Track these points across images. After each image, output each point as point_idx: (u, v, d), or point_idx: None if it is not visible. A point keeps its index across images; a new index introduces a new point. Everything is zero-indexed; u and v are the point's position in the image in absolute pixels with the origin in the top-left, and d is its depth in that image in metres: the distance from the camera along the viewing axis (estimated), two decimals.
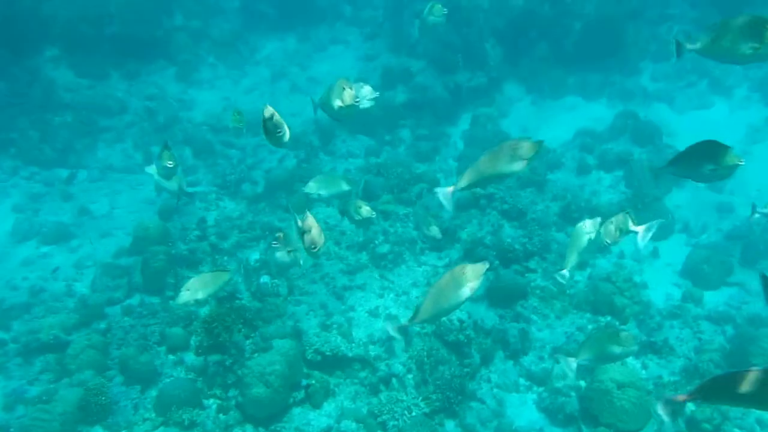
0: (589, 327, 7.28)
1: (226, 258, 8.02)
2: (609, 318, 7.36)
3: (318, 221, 4.77)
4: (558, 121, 11.02)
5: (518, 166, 4.07)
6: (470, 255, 8.28)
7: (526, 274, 7.95)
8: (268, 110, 4.24)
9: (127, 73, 12.52)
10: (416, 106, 11.38)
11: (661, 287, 8.07)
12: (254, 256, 8.05)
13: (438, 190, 4.42)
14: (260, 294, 7.37)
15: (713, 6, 12.04)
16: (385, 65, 12.32)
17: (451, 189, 4.34)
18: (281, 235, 5.61)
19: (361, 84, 5.54)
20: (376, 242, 8.28)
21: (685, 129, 10.29)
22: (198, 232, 8.27)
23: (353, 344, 6.72)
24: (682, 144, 10.04)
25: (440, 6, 6.55)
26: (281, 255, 5.55)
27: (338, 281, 7.70)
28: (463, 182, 4.28)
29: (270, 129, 4.26)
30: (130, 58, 12.42)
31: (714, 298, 7.82)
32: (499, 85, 11.71)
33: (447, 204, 4.34)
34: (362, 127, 10.96)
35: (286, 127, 4.31)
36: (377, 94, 5.58)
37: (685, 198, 9.31)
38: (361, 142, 10.96)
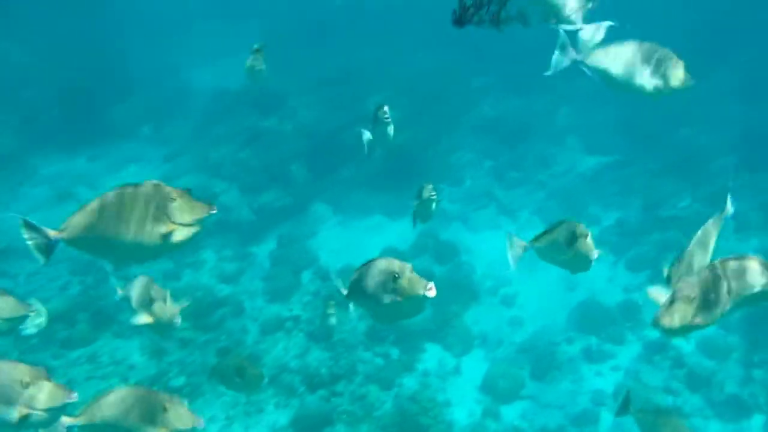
0: None
1: None
2: None
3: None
4: (365, 240, 11.69)
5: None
6: (275, 382, 8.29)
7: (332, 399, 8.08)
8: None
9: None
10: (221, 226, 11.48)
11: (464, 404, 8.60)
12: None
13: None
14: None
15: (499, 140, 13.96)
16: (186, 186, 12.36)
17: None
18: None
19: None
20: (170, 375, 7.98)
21: (479, 247, 11.46)
22: None
23: None
24: (479, 261, 11.23)
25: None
26: None
27: None
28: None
29: None
30: None
31: (510, 413, 8.49)
32: (306, 205, 12.24)
33: None
34: None
35: None
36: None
37: (481, 312, 10.21)
38: (159, 264, 10.70)
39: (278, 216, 11.79)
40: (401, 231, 11.80)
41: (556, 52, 4.41)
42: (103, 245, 3.45)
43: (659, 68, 4.34)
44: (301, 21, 17.76)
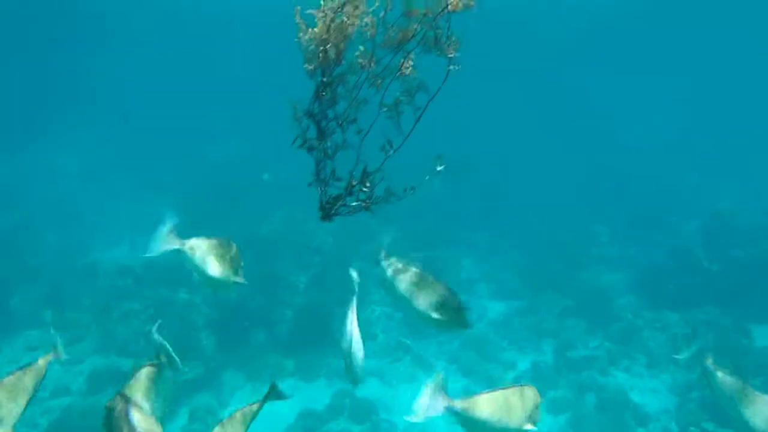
0: None
1: None
2: None
3: None
4: (280, 406, 11.65)
5: None
6: None
7: None
8: None
9: None
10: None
11: None
12: None
13: None
14: None
15: None
16: (92, 368, 12.24)
17: None
18: None
19: None
20: None
21: (397, 402, 11.67)
22: None
23: None
24: (399, 418, 11.35)
25: None
26: None
27: None
28: None
29: None
30: None
31: None
32: (218, 375, 12.26)
33: None
34: None
35: None
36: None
37: None
38: None
39: (189, 388, 11.73)
40: (316, 393, 11.94)
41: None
42: None
43: None
44: (207, 194, 18.70)
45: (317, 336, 12.51)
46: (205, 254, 4.60)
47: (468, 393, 12.10)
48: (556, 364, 13.02)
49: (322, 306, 12.91)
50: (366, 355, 13.19)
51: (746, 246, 15.26)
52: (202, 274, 4.61)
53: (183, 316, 12.48)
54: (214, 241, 4.68)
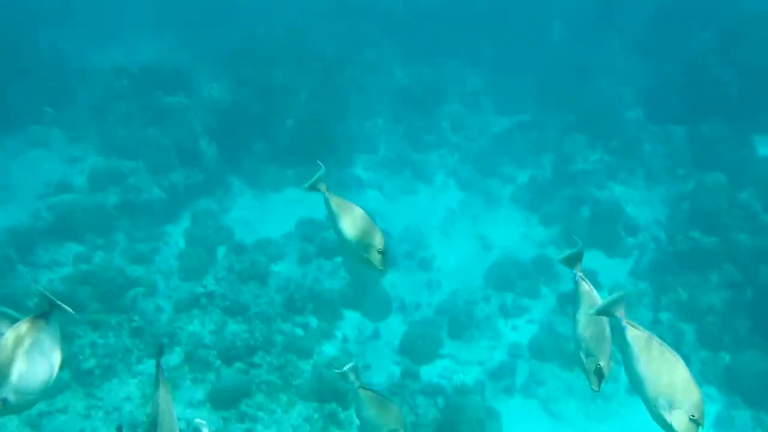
0: (316, 416, 7.87)
1: None
2: (334, 404, 8.00)
3: None
4: (280, 213, 11.93)
5: None
6: (191, 358, 8.49)
7: (250, 371, 8.36)
8: None
9: None
10: (131, 207, 11.48)
11: (383, 367, 9.03)
12: None
13: None
14: None
15: (412, 105, 14.34)
16: (93, 167, 12.28)
17: None
18: None
19: None
20: (81, 357, 8.09)
21: (395, 213, 11.88)
22: None
23: None
24: (395, 227, 11.63)
25: None
26: None
27: (33, 409, 7.32)
28: None
29: None
30: None
31: (429, 372, 8.98)
32: (219, 181, 12.34)
33: None
34: (68, 233, 10.75)
35: None
36: None
37: (398, 277, 10.66)
38: (68, 249, 10.66)
39: (191, 194, 11.86)
40: (316, 201, 12.06)
41: None
42: None
43: None
44: None
45: (318, 145, 12.39)
46: (343, 214, 4.51)
47: (466, 206, 12.34)
48: (555, 178, 13.03)
49: (324, 113, 12.64)
50: (366, 167, 13.26)
51: (765, 54, 14.39)
52: (336, 228, 4.61)
53: (182, 121, 12.26)
54: (355, 209, 4.60)
